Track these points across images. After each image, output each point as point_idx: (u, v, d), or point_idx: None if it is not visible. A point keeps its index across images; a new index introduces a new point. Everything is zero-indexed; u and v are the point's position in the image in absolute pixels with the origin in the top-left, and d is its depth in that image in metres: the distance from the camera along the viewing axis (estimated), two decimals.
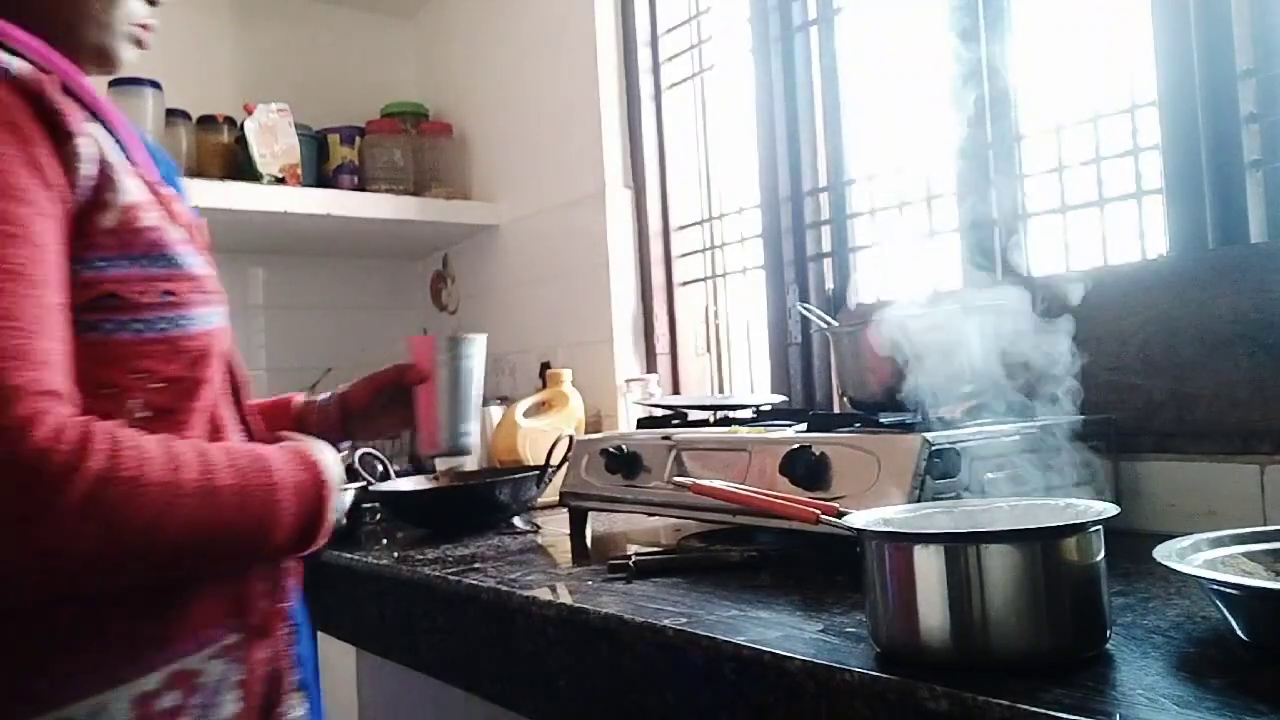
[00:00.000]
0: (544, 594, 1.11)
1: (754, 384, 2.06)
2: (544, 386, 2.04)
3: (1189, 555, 0.81)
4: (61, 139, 0.72)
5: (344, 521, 0.91)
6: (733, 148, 2.11)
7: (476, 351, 1.18)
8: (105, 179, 0.75)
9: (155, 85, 2.13)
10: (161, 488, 0.67)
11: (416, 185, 2.53)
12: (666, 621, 0.94)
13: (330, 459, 0.84)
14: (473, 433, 1.18)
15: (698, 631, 0.90)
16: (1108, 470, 1.21)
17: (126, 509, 0.65)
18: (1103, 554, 0.76)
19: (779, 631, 0.88)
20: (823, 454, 1.12)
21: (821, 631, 0.87)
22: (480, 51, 2.63)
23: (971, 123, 1.54)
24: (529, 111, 2.43)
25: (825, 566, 1.12)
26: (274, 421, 1.13)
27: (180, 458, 0.70)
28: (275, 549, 0.78)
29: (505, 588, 1.14)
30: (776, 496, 0.99)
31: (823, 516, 0.90)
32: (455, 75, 2.73)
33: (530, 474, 1.64)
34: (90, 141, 0.74)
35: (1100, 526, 0.76)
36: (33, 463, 0.62)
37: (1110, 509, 0.78)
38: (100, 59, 0.87)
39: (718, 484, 1.05)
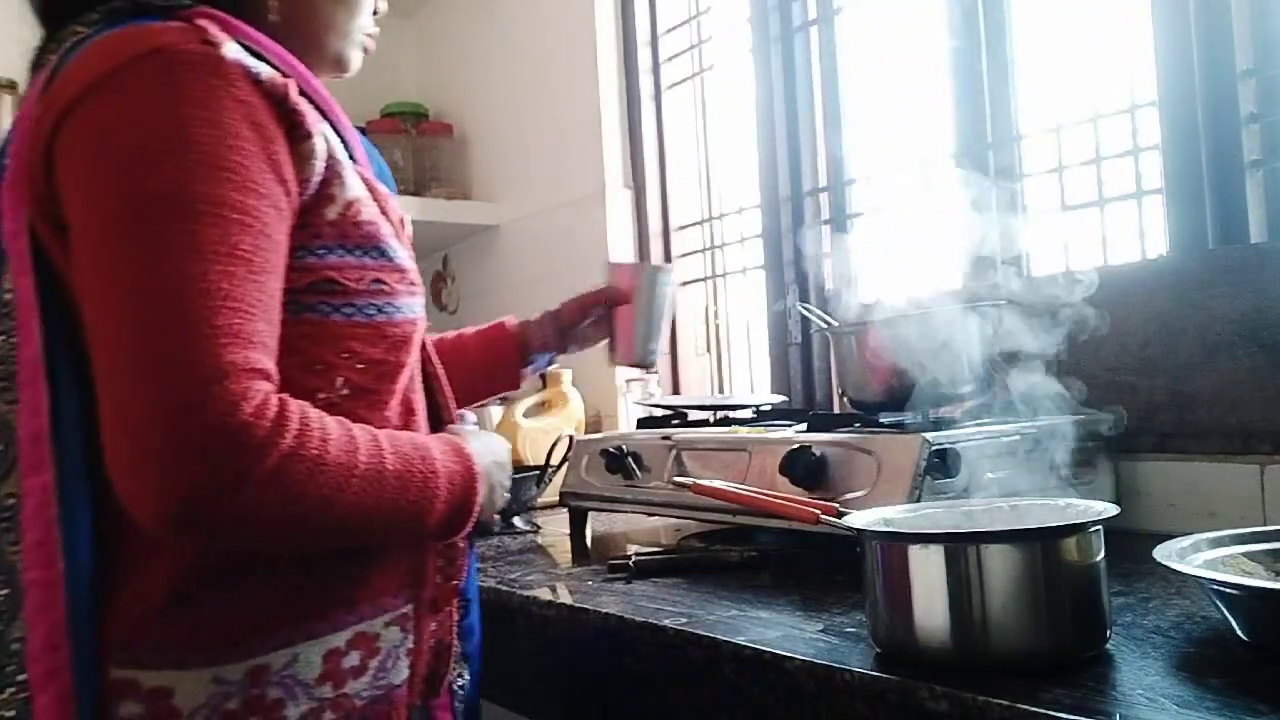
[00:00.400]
0: (544, 594, 1.11)
1: (754, 384, 2.06)
2: (544, 386, 2.04)
3: (1189, 555, 0.81)
4: (298, 139, 0.78)
5: (507, 501, 0.97)
6: (733, 148, 2.11)
7: (670, 280, 1.32)
8: (332, 175, 0.81)
9: None
10: (338, 468, 0.73)
11: (416, 185, 2.53)
12: (666, 621, 0.94)
13: (480, 451, 0.88)
14: (659, 351, 1.32)
15: (698, 631, 0.90)
16: (1108, 470, 1.21)
17: (306, 484, 0.71)
18: (1103, 554, 0.76)
19: (779, 631, 0.88)
20: (823, 454, 1.12)
21: (821, 631, 0.87)
22: (480, 51, 2.63)
23: (971, 121, 1.54)
24: (529, 111, 2.44)
25: (825, 566, 1.12)
26: (495, 344, 1.26)
27: (355, 440, 0.75)
28: (426, 533, 0.83)
29: (505, 588, 1.14)
30: (776, 496, 1.00)
31: (823, 516, 0.90)
32: (455, 75, 2.73)
33: (530, 474, 1.64)
34: (322, 141, 0.80)
35: (1100, 526, 0.76)
36: (237, 434, 0.67)
37: (1110, 509, 0.78)
38: (337, 65, 0.96)
39: (718, 484, 1.05)
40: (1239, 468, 1.16)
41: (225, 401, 0.67)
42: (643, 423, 1.60)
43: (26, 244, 0.76)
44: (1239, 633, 0.75)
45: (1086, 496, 0.93)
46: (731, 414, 1.53)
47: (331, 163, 0.81)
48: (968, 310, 1.17)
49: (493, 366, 1.26)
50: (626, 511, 1.44)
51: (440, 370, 0.96)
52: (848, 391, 1.31)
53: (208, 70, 0.73)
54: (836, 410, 1.72)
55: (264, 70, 0.77)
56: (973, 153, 1.54)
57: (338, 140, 0.84)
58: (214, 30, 0.76)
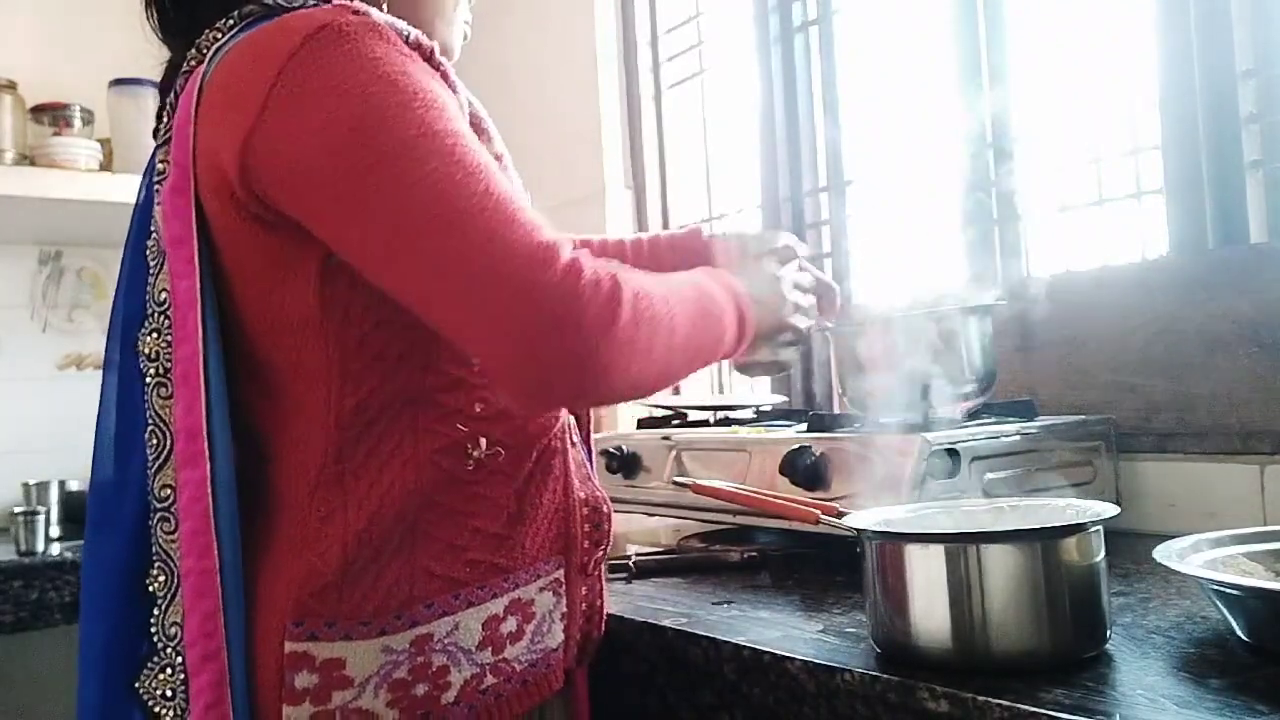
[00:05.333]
0: None
1: (754, 384, 2.06)
2: None
3: (1189, 555, 0.81)
4: (451, 91, 0.81)
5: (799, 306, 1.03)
6: (733, 148, 2.11)
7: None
8: (480, 130, 0.85)
9: (155, 85, 2.13)
10: (663, 301, 0.77)
11: None
12: (666, 621, 0.94)
13: (738, 282, 0.92)
14: None
15: (698, 631, 0.90)
16: (1108, 470, 1.21)
17: (649, 333, 0.75)
18: (1103, 554, 0.76)
19: (779, 631, 0.88)
20: (823, 454, 1.11)
21: (821, 631, 0.87)
22: (480, 51, 2.62)
23: (971, 122, 1.54)
24: (529, 111, 2.43)
25: (825, 566, 1.12)
26: (687, 252, 1.24)
27: (656, 284, 0.79)
28: (714, 361, 0.89)
29: None
30: (776, 496, 1.00)
31: (823, 516, 0.90)
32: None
33: None
34: (464, 94, 0.84)
35: (1100, 526, 0.76)
36: (590, 287, 0.71)
37: (1110, 509, 0.78)
38: (444, 51, 0.97)
39: (718, 484, 1.05)
40: (1239, 468, 1.16)
41: (567, 268, 0.71)
42: (643, 423, 1.60)
43: (192, 248, 0.78)
44: (1239, 633, 0.75)
45: (1086, 496, 0.93)
46: (731, 414, 1.53)
47: (475, 118, 0.84)
48: (968, 310, 1.17)
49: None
50: (626, 511, 1.44)
51: None
52: (848, 391, 1.31)
53: (372, 34, 0.76)
54: (836, 410, 1.72)
55: (411, 31, 0.80)
56: (972, 152, 1.54)
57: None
58: (358, 4, 0.80)
